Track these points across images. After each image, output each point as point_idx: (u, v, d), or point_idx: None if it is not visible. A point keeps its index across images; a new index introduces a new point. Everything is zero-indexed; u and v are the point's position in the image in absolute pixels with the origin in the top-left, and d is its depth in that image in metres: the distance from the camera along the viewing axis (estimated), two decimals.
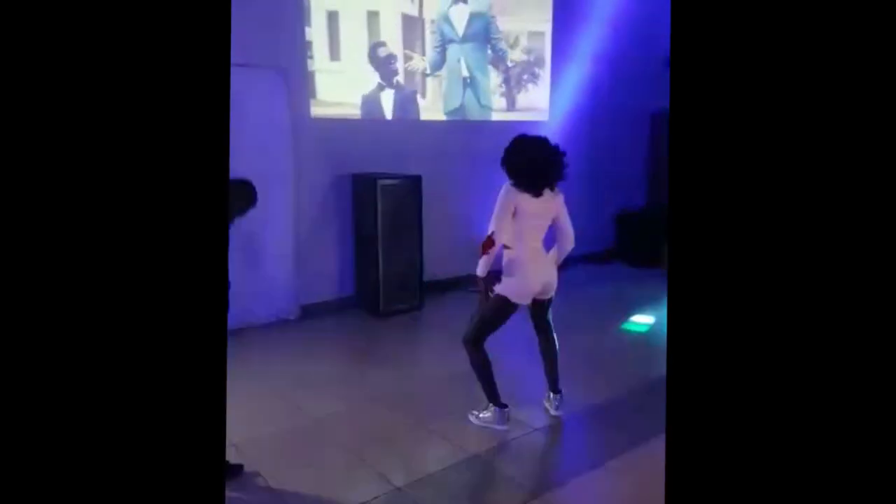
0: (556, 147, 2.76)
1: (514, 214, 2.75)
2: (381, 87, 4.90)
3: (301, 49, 4.45)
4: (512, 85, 5.72)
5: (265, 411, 3.06)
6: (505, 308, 2.81)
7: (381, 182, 4.50)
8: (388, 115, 4.97)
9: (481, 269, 2.77)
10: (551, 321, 3.06)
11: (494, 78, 5.58)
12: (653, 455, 2.68)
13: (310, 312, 4.60)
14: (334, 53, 4.65)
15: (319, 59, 4.57)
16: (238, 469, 2.49)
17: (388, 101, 4.96)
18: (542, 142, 2.76)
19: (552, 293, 2.96)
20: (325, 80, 4.63)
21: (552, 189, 2.80)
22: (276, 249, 4.39)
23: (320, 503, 2.33)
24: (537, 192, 2.74)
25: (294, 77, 4.38)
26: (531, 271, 2.81)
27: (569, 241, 2.92)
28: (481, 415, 2.93)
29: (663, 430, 3.23)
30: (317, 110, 4.59)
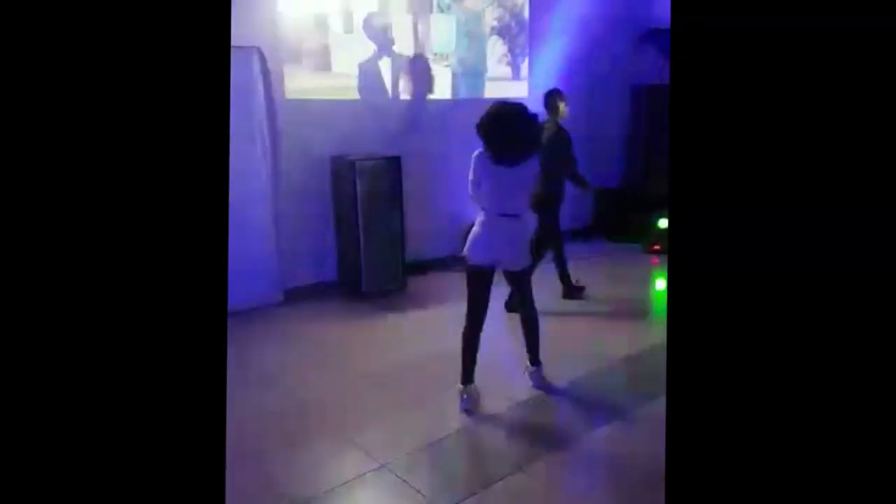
0: (532, 118, 2.75)
1: (483, 179, 2.82)
2: (378, 57, 4.91)
3: (274, 27, 4.37)
4: (517, 53, 5.76)
5: (251, 395, 3.06)
6: (471, 272, 2.89)
7: (359, 163, 4.47)
8: (389, 88, 5.02)
9: None
10: (530, 294, 3.05)
11: (500, 47, 5.62)
12: (631, 427, 2.74)
13: (293, 296, 4.59)
14: (347, 25, 4.69)
15: (334, 31, 4.62)
16: None
17: (387, 72, 4.98)
18: (518, 114, 2.72)
19: (518, 268, 2.96)
20: (339, 53, 4.67)
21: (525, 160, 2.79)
22: (256, 234, 4.35)
23: (307, 482, 2.35)
24: (509, 164, 2.76)
25: (269, 57, 4.30)
26: (483, 236, 2.86)
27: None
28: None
29: (642, 402, 3.27)
30: (330, 82, 4.66)
